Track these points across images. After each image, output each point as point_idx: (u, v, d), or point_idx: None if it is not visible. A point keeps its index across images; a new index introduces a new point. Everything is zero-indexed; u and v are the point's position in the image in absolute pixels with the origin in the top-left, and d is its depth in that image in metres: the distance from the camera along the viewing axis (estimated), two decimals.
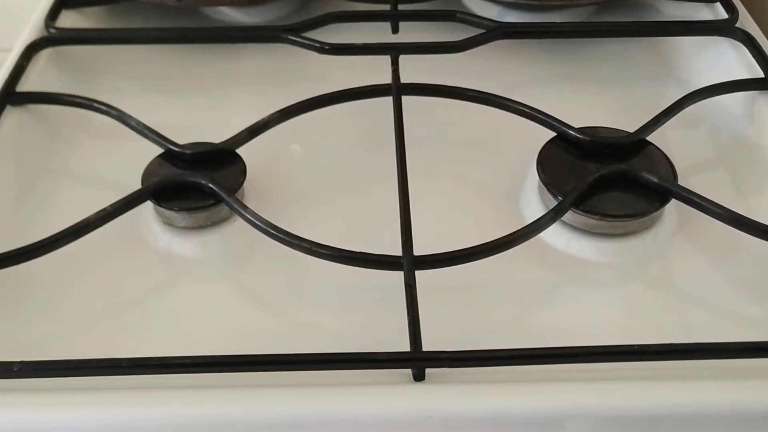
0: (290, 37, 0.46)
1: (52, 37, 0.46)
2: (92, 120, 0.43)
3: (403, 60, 0.44)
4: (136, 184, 0.37)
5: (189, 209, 0.37)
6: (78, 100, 0.43)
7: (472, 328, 0.34)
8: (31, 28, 0.47)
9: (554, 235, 0.37)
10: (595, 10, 0.52)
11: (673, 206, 0.37)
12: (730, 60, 0.46)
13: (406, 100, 0.41)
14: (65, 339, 0.33)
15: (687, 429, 0.29)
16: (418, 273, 0.32)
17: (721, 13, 0.48)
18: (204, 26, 0.50)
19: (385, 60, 0.44)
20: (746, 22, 0.48)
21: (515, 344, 0.30)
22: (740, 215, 0.35)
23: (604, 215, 0.36)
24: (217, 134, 0.39)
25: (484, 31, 0.46)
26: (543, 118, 0.40)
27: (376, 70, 0.43)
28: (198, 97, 0.47)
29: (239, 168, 0.38)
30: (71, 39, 0.47)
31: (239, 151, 0.39)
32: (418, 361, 0.30)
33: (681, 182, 0.37)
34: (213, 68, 0.49)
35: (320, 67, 0.46)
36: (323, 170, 0.42)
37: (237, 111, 0.45)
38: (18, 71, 0.44)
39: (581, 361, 0.30)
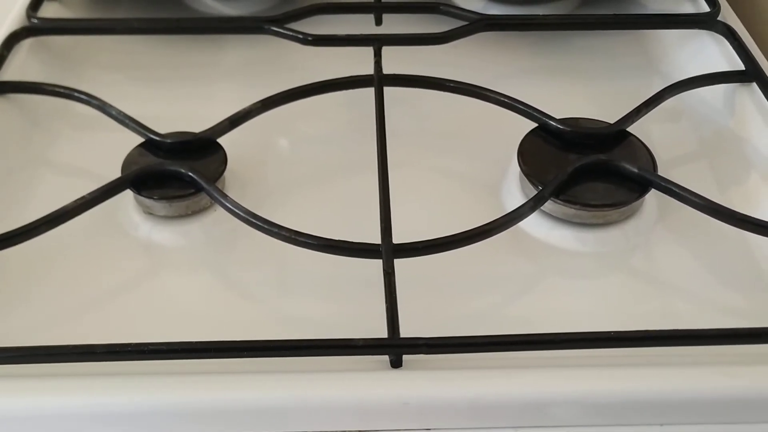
0: (273, 28, 0.46)
1: (33, 27, 0.46)
2: (73, 110, 0.43)
3: (387, 52, 0.44)
4: (116, 174, 0.37)
5: (169, 198, 0.37)
6: (59, 89, 0.42)
7: (453, 317, 0.34)
8: (12, 17, 0.47)
9: (535, 225, 0.37)
10: (580, 3, 0.52)
11: (653, 196, 0.38)
12: (711, 53, 0.46)
13: (388, 91, 0.41)
14: (43, 328, 0.33)
15: (666, 415, 0.30)
16: (400, 263, 0.32)
17: (703, 7, 0.49)
18: (187, 17, 0.50)
19: (369, 51, 0.44)
20: (728, 15, 0.48)
21: (495, 333, 0.30)
22: (719, 205, 0.35)
23: (585, 205, 0.36)
24: (200, 125, 0.39)
25: (467, 23, 0.46)
26: (524, 108, 0.40)
27: (359, 62, 0.43)
28: (180, 88, 0.47)
29: (220, 157, 0.38)
30: (53, 29, 0.47)
31: (221, 141, 0.39)
32: (394, 348, 0.30)
33: (662, 174, 0.37)
34: (196, 59, 0.49)
35: (303, 58, 0.46)
36: (304, 160, 0.42)
37: (220, 102, 0.45)
38: None
39: (559, 348, 0.30)
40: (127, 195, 0.37)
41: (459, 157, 0.42)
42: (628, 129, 0.40)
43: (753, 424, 0.30)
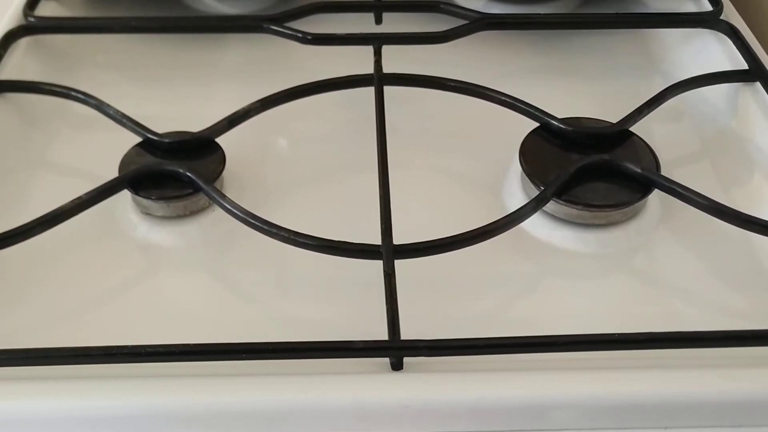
0: (272, 27, 0.45)
1: (30, 26, 0.46)
2: (70, 109, 0.43)
3: (387, 51, 0.43)
4: (113, 174, 0.37)
5: (166, 198, 0.36)
6: (56, 89, 0.42)
7: (454, 319, 0.33)
8: (9, 16, 0.46)
9: (537, 225, 0.37)
10: (581, 2, 0.52)
11: (656, 196, 0.37)
12: (714, 52, 0.46)
13: (388, 90, 0.41)
14: (40, 329, 0.33)
15: (669, 418, 0.29)
16: (401, 264, 0.32)
17: (706, 5, 0.48)
18: (185, 16, 0.50)
19: (369, 50, 0.43)
20: (730, 14, 0.48)
21: (496, 335, 0.30)
22: (722, 205, 0.35)
23: (587, 205, 0.36)
24: (198, 125, 0.39)
25: (467, 21, 0.46)
26: (526, 108, 0.40)
27: (359, 61, 0.43)
28: (179, 88, 0.46)
29: (218, 157, 0.38)
30: (50, 28, 0.46)
31: (219, 140, 0.39)
32: (395, 350, 0.29)
33: (664, 173, 0.37)
34: (194, 58, 0.48)
35: (303, 57, 0.46)
36: (304, 160, 0.41)
37: (219, 101, 0.45)
38: None
39: (561, 350, 0.30)
40: (125, 195, 0.37)
41: (460, 157, 0.41)
42: (631, 129, 0.39)
43: (756, 427, 0.30)
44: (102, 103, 0.40)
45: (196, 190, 0.36)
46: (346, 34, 0.44)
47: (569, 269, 0.36)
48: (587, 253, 0.36)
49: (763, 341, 0.30)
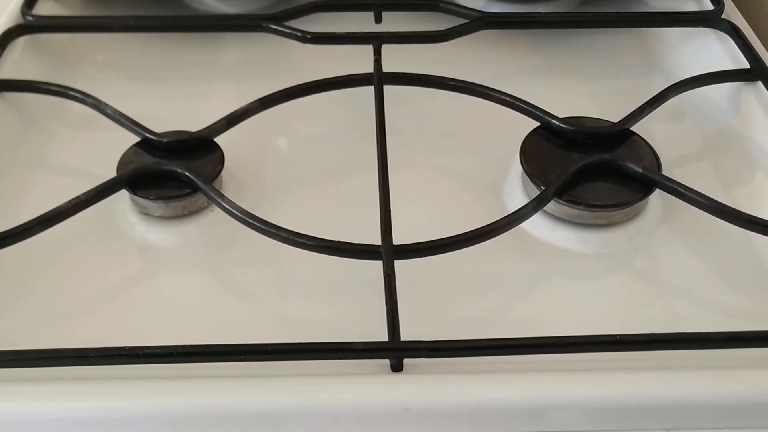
0: (272, 26, 0.45)
1: (28, 25, 0.46)
2: (68, 109, 0.43)
3: (387, 50, 0.43)
4: (112, 174, 0.37)
5: (165, 198, 0.36)
6: (54, 88, 0.42)
7: (454, 320, 0.33)
8: (7, 15, 0.46)
9: (537, 225, 0.37)
10: (581, 1, 0.52)
11: (658, 196, 0.37)
12: (715, 51, 0.46)
13: (388, 90, 0.41)
14: (38, 329, 0.33)
15: (671, 419, 0.29)
16: (401, 264, 0.32)
17: (707, 4, 0.48)
18: (184, 14, 0.49)
19: (368, 50, 0.43)
20: (732, 13, 0.48)
21: (497, 336, 0.30)
22: (724, 205, 0.35)
23: (588, 205, 0.36)
24: (197, 124, 0.39)
25: (468, 20, 0.46)
26: (526, 107, 0.40)
27: (359, 60, 0.43)
28: (177, 87, 0.46)
29: (217, 157, 0.38)
30: (48, 27, 0.46)
31: (218, 140, 0.39)
32: (395, 351, 0.29)
33: (666, 173, 0.37)
34: (193, 57, 0.48)
35: (302, 56, 0.46)
36: (303, 160, 0.41)
37: (218, 101, 0.44)
38: None
39: (562, 351, 0.30)
40: (123, 195, 0.37)
41: (460, 157, 0.41)
42: (632, 128, 0.39)
43: (758, 429, 0.29)
44: (100, 102, 0.40)
45: (195, 189, 0.36)
46: (346, 33, 0.44)
47: (570, 269, 0.36)
48: (588, 254, 0.36)
49: (765, 342, 0.30)
